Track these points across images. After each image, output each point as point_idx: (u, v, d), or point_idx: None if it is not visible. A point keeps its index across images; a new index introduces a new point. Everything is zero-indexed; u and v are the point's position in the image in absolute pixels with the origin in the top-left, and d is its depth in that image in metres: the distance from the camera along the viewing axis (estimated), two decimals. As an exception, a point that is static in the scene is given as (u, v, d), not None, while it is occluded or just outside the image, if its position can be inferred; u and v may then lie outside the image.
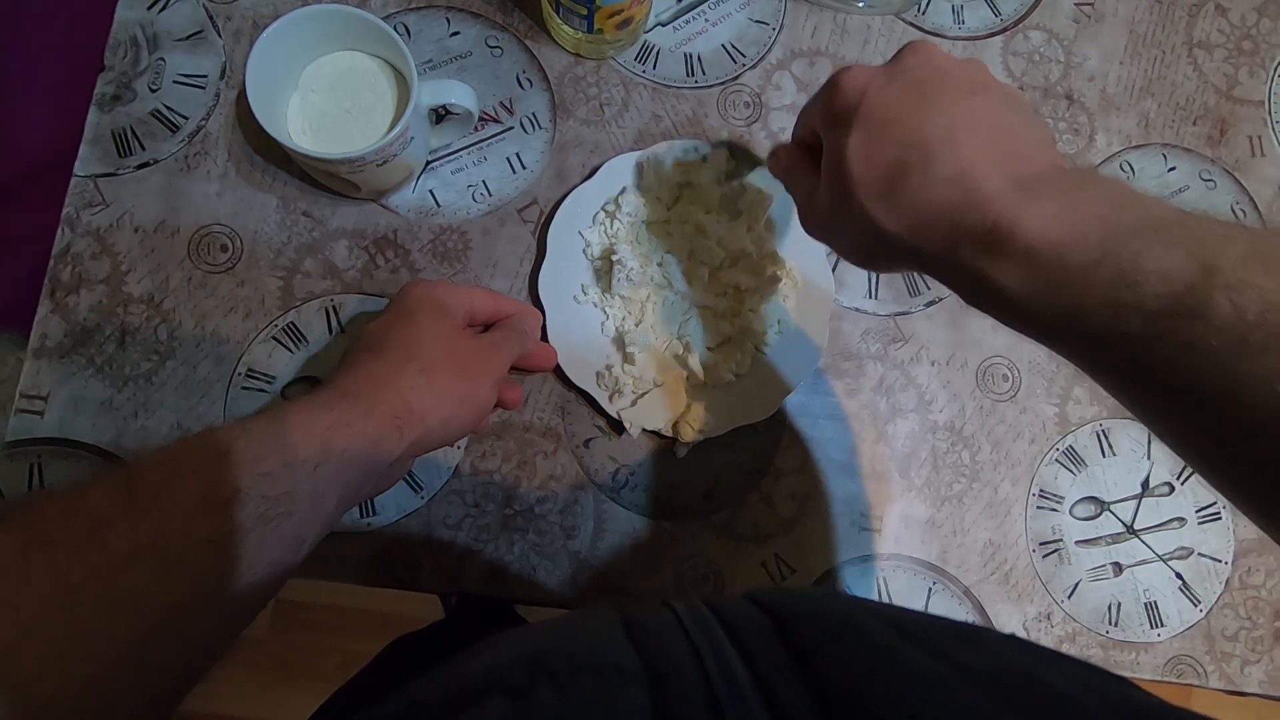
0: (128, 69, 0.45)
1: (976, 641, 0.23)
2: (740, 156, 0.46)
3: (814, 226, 0.35)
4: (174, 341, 0.43)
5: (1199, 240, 0.23)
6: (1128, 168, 0.52)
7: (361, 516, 0.43)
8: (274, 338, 0.44)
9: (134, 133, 0.45)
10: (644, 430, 0.45)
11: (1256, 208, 0.52)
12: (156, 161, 0.45)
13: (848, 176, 0.29)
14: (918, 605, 0.47)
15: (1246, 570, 0.49)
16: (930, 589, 0.47)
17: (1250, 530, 0.49)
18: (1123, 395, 0.27)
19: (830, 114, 0.31)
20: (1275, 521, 0.24)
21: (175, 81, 0.46)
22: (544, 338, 0.45)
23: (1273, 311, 0.21)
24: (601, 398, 0.44)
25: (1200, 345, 0.22)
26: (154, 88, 0.45)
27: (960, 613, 0.47)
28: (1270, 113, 0.53)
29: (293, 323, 0.44)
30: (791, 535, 0.46)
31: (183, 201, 0.45)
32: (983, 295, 0.28)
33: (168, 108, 0.45)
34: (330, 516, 0.31)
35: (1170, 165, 0.52)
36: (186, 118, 0.45)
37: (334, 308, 0.45)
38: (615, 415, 0.44)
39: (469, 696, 0.21)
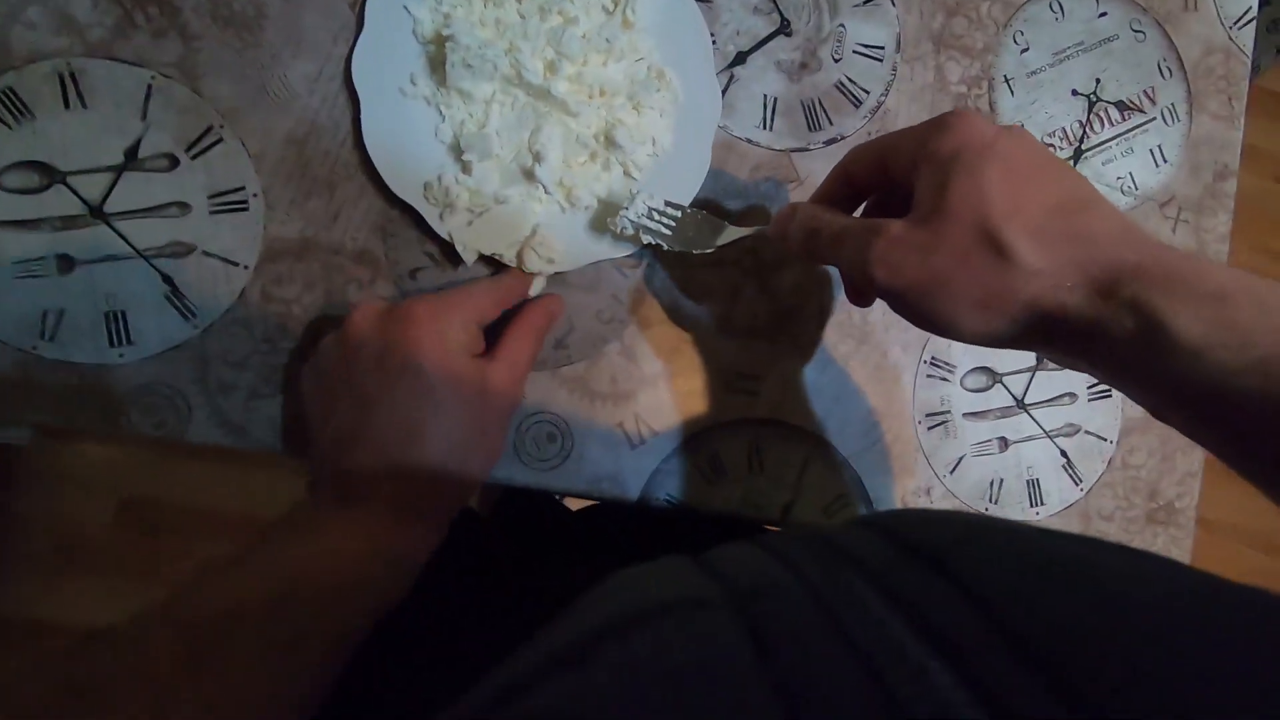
0: None
1: (1105, 543, 0.21)
2: (705, 226, 0.37)
3: (896, 267, 0.28)
4: None
5: None
6: (1057, 7, 0.46)
7: (112, 345, 0.34)
8: (-17, 105, 0.33)
9: None
10: (481, 256, 0.37)
11: (1183, 67, 0.48)
12: None
13: (989, 205, 0.26)
14: (791, 474, 0.42)
15: (1129, 450, 0.46)
16: (806, 457, 0.42)
17: (1137, 410, 0.47)
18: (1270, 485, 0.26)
19: (952, 150, 0.27)
20: None
21: None
22: (359, 139, 0.36)
23: None
24: (430, 215, 0.36)
25: None
26: None
27: (835, 484, 0.42)
28: (1209, -37, 0.48)
29: (11, 88, 0.34)
30: (655, 394, 0.40)
31: None
32: (1140, 347, 0.24)
33: None
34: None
35: (1101, 10, 0.47)
36: None
37: (72, 74, 0.34)
38: (446, 236, 0.36)
39: (521, 689, 0.17)
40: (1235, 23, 0.49)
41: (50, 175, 0.34)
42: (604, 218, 0.37)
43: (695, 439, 0.41)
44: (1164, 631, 0.15)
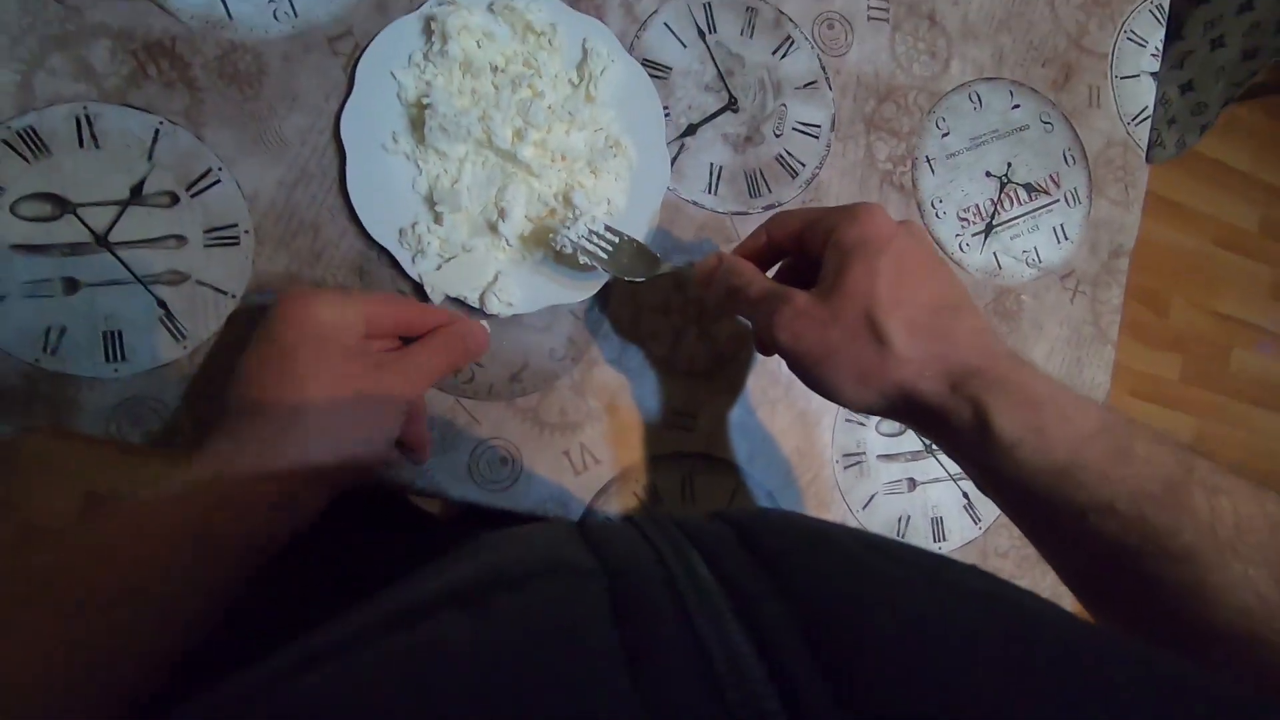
0: None
1: (945, 561, 0.23)
2: (640, 257, 0.41)
3: (796, 334, 0.32)
4: None
5: (1175, 445, 0.28)
6: (976, 98, 0.52)
7: (107, 360, 0.38)
8: (5, 141, 0.37)
9: None
10: (448, 297, 0.41)
11: (1085, 156, 0.54)
12: None
13: (877, 297, 0.31)
14: (720, 504, 0.47)
15: (1024, 494, 0.52)
16: (733, 490, 0.47)
17: (1034, 459, 0.52)
18: (1067, 572, 0.31)
19: (856, 240, 0.32)
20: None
21: None
22: (343, 186, 0.40)
23: (1245, 522, 0.26)
24: (404, 258, 0.40)
25: (1179, 531, 0.26)
26: None
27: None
28: (1112, 67, 0.55)
29: (32, 127, 0.37)
30: (597, 426, 0.45)
31: (-114, -44, 0.36)
32: (973, 435, 0.29)
33: None
34: (226, 594, 0.31)
35: (1015, 103, 0.53)
36: None
37: (87, 117, 0.38)
38: (416, 278, 0.41)
39: (423, 610, 0.20)
40: (1133, 119, 0.55)
41: (62, 206, 0.38)
42: (559, 266, 0.42)
43: (634, 468, 0.45)
44: (954, 670, 0.17)
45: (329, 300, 0.34)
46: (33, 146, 0.37)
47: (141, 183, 0.39)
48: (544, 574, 0.21)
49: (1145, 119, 0.55)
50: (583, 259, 0.40)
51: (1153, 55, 0.56)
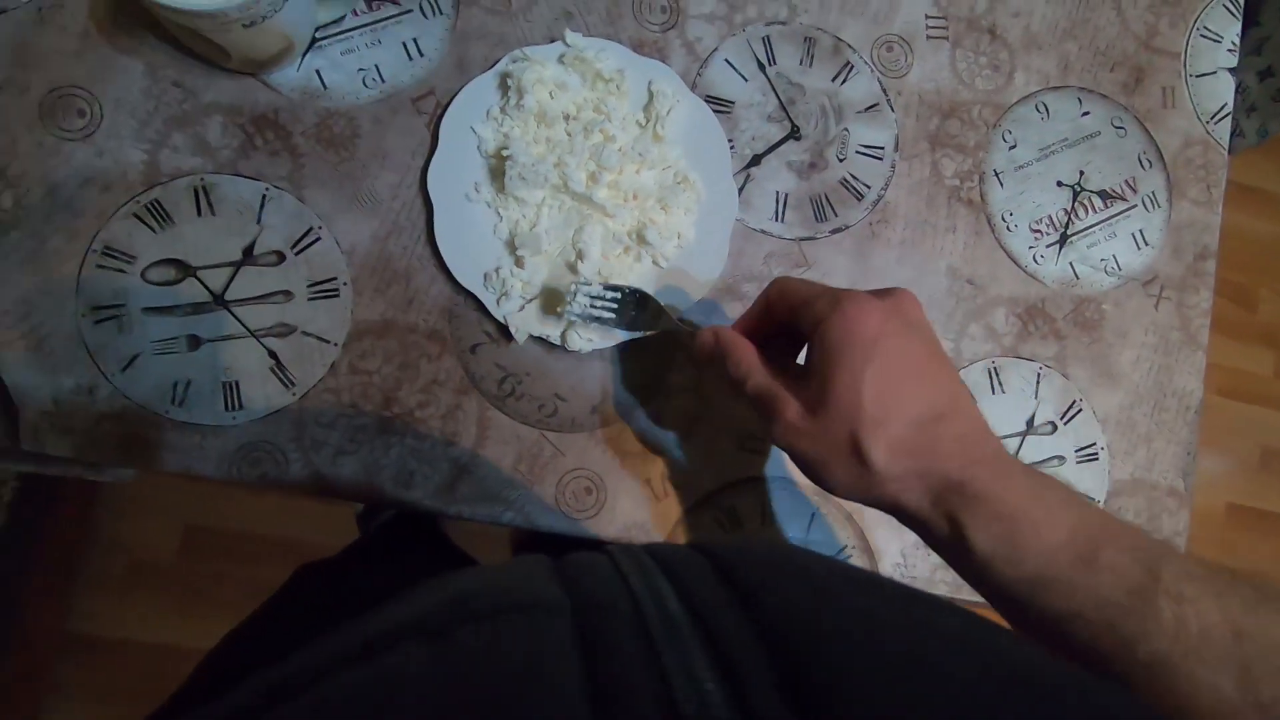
0: (-26, -96, 0.41)
1: (929, 601, 0.23)
2: (646, 308, 0.41)
3: (790, 443, 0.34)
4: (20, 210, 0.40)
5: (1144, 547, 0.29)
6: (1043, 108, 0.51)
7: (227, 409, 0.41)
8: (135, 215, 0.41)
9: (-20, -23, 0.41)
10: (531, 337, 0.43)
11: (1162, 158, 0.53)
12: (5, 10, 0.41)
13: (861, 413, 0.31)
14: (799, 528, 0.47)
15: (1116, 509, 0.50)
16: (813, 514, 0.47)
17: (1124, 474, 0.51)
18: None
19: (839, 341, 0.32)
20: None
21: (30, -76, 0.41)
22: (431, 237, 0.43)
23: (1208, 630, 0.27)
24: (489, 300, 0.43)
25: (1145, 638, 0.27)
26: (5, -72, 0.41)
27: (842, 538, 0.47)
28: (1186, 65, 0.53)
29: (157, 200, 0.41)
30: (678, 454, 0.46)
31: (34, 57, 0.41)
32: (953, 546, 0.31)
33: (20, -48, 0.41)
34: None
35: (1085, 110, 0.52)
36: (42, -35, 0.41)
37: (205, 187, 0.42)
38: (502, 319, 0.43)
39: (384, 641, 0.20)
40: (1212, 118, 0.53)
41: (184, 270, 0.41)
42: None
43: (714, 494, 0.46)
44: (928, 713, 0.16)
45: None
46: (159, 217, 0.41)
47: (252, 244, 0.42)
48: (510, 608, 0.21)
49: (1225, 116, 0.53)
50: (593, 325, 0.41)
51: (1229, 50, 0.54)
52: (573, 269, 0.43)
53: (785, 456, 0.47)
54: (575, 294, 0.41)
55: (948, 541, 0.32)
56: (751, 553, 0.25)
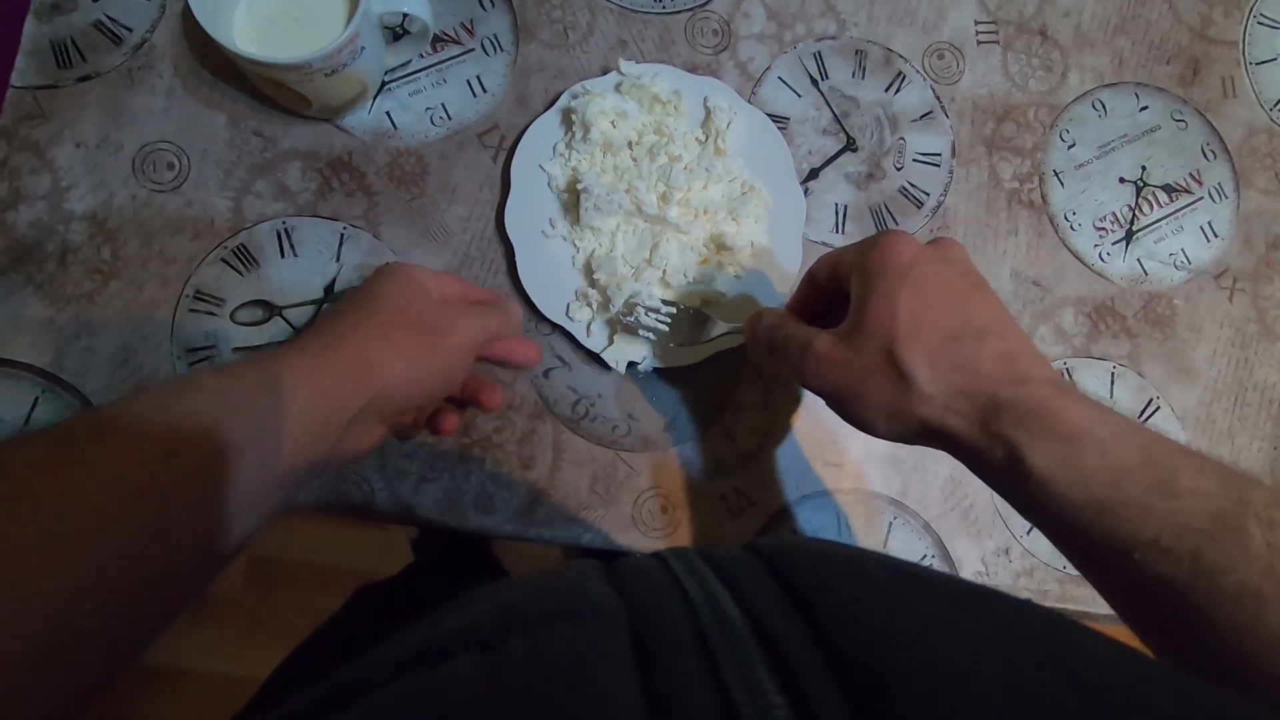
0: (68, -23, 0.43)
1: (989, 597, 0.21)
2: (697, 323, 0.42)
3: (827, 383, 0.32)
4: (118, 261, 0.42)
5: (1227, 473, 0.26)
6: (1100, 106, 0.51)
7: (314, 443, 0.43)
8: (223, 259, 0.43)
9: (75, 44, 0.43)
10: (602, 359, 0.44)
11: (1226, 149, 0.52)
12: (99, 74, 0.43)
13: (896, 329, 0.30)
14: (877, 539, 0.47)
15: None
16: (890, 523, 0.47)
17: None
18: (1116, 603, 0.29)
19: (875, 267, 0.31)
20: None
21: (118, -9, 0.44)
22: (512, 272, 0.44)
23: None
24: (578, 331, 0.43)
25: (1232, 568, 0.24)
26: (96, -3, 0.43)
27: (920, 547, 0.47)
28: (1244, 53, 0.53)
29: (243, 245, 0.43)
30: (751, 469, 0.46)
31: (126, 117, 0.43)
32: (1007, 472, 0.28)
33: (110, 18, 0.44)
34: (286, 472, 0.29)
35: (1142, 105, 0.51)
36: (130, 29, 0.44)
37: (286, 230, 0.44)
38: (597, 349, 0.43)
39: (436, 653, 0.19)
40: (1275, 105, 0.52)
41: (270, 310, 0.43)
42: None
43: (789, 508, 0.46)
44: (992, 709, 0.16)
45: (417, 266, 0.36)
46: (244, 260, 0.43)
47: (333, 282, 0.44)
48: (564, 615, 0.20)
49: (1290, 102, 0.52)
50: (644, 334, 0.42)
51: (1289, 36, 0.53)
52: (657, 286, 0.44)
53: (860, 469, 0.46)
54: (633, 306, 0.41)
55: (1001, 467, 0.29)
56: (807, 552, 0.24)
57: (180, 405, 0.26)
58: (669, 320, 0.42)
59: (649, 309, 0.41)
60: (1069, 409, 0.27)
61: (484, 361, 0.38)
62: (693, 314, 0.42)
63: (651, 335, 0.42)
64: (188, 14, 0.43)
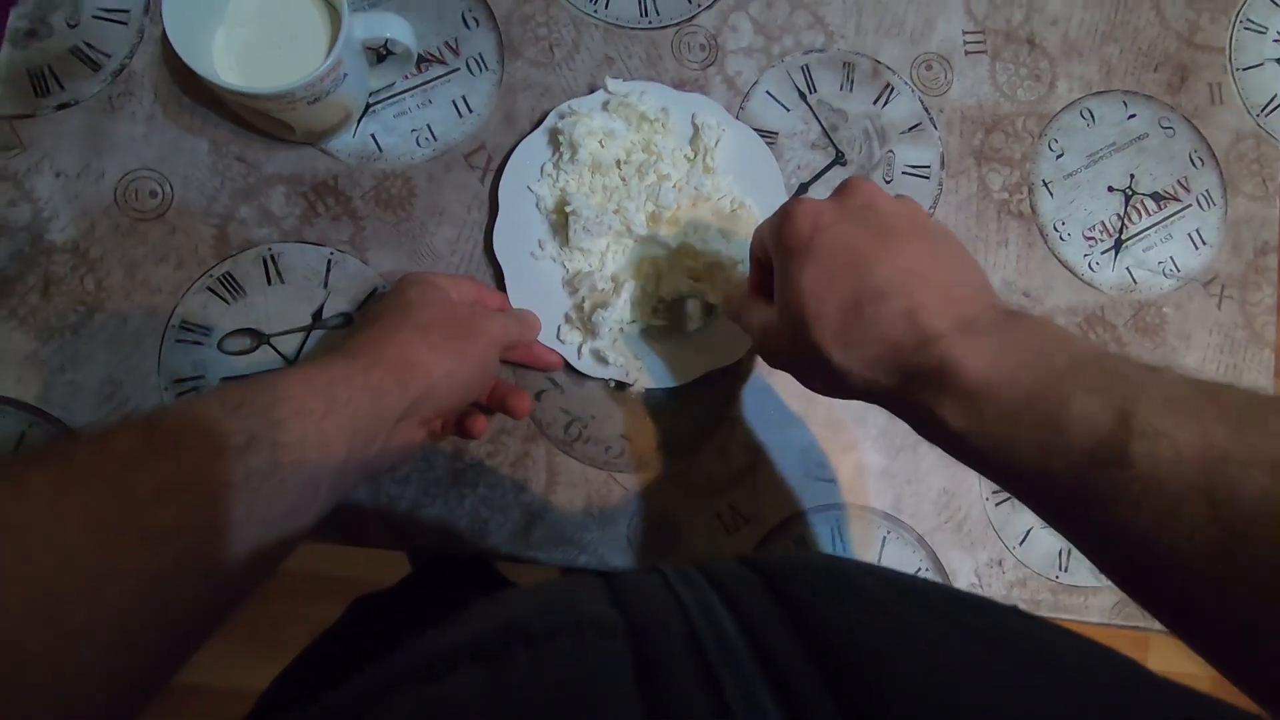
0: (42, 2, 0.43)
1: (979, 607, 0.22)
2: (700, 306, 0.44)
3: (774, 360, 0.35)
4: (102, 292, 0.42)
5: (1118, 384, 0.25)
6: (1088, 114, 0.51)
7: (306, 471, 0.42)
8: (209, 288, 0.42)
9: (52, 71, 0.42)
10: (591, 379, 0.44)
11: (1214, 156, 0.52)
12: (77, 102, 0.42)
13: (804, 311, 0.30)
14: (871, 553, 0.47)
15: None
16: (884, 538, 0.47)
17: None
18: (1059, 527, 0.29)
19: (783, 245, 0.32)
20: (1195, 645, 0.25)
21: (95, 16, 0.43)
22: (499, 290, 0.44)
23: (1185, 464, 0.22)
24: (569, 354, 0.43)
25: (1120, 494, 0.23)
26: (72, 23, 0.43)
27: (914, 560, 0.47)
28: (1231, 60, 0.53)
29: (229, 273, 0.43)
30: (745, 486, 0.46)
31: (107, 144, 0.42)
32: (930, 429, 0.29)
33: (88, 45, 0.43)
34: (342, 469, 0.30)
35: (1130, 112, 0.51)
36: (109, 55, 0.43)
37: (272, 257, 0.43)
38: (579, 369, 0.43)
39: (440, 666, 0.20)
40: (1263, 110, 0.52)
41: (258, 338, 0.43)
42: (692, 341, 0.44)
43: (784, 524, 0.46)
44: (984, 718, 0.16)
45: (436, 272, 0.39)
46: (231, 289, 0.43)
47: (320, 308, 0.43)
48: (566, 629, 0.21)
49: (1276, 108, 0.52)
50: (614, 360, 0.43)
51: (1275, 41, 0.53)
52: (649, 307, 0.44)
53: (854, 483, 0.47)
54: (603, 320, 0.42)
55: (922, 424, 0.29)
56: (804, 567, 0.24)
57: (251, 405, 0.28)
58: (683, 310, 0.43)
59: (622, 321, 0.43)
60: (969, 359, 0.27)
61: (506, 364, 0.41)
62: (698, 306, 0.43)
63: (622, 360, 0.43)
64: (166, 40, 0.42)
